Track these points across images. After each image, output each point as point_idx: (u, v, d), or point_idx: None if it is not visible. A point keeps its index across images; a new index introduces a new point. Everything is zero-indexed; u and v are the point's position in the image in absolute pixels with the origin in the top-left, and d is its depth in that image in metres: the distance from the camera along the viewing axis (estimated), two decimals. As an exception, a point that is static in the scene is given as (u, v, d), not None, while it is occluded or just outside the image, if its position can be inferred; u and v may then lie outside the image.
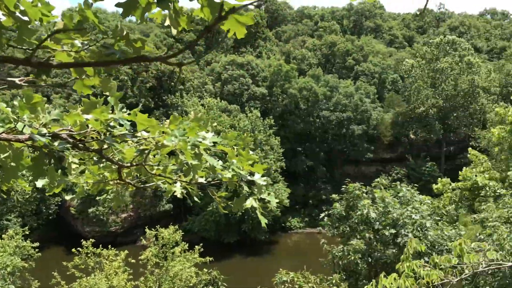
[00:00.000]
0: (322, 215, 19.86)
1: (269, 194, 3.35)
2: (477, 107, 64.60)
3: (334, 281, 16.14)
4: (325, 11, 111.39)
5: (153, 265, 21.14)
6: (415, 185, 20.94)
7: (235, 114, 56.26)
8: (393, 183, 20.68)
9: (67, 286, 20.84)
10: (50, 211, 53.71)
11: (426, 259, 10.02)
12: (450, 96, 65.41)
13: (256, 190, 3.23)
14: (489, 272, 13.62)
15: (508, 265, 6.59)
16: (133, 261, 21.86)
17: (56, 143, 2.65)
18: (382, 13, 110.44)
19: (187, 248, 22.43)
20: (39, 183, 3.38)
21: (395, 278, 5.97)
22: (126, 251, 22.04)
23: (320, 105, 63.97)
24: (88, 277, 19.87)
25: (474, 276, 14.71)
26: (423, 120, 66.18)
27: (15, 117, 2.69)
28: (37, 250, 25.78)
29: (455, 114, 66.07)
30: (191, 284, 20.06)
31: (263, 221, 3.25)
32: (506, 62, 78.09)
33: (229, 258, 48.93)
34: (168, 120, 3.22)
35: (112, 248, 22.35)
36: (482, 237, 13.97)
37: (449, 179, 27.68)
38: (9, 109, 2.81)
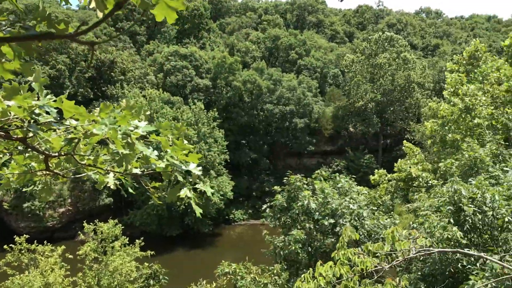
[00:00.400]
0: (264, 206, 20.06)
1: (204, 183, 3.32)
2: (412, 102, 67.75)
3: (275, 271, 16.39)
4: (269, 5, 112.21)
5: (92, 260, 20.49)
6: (353, 176, 21.67)
7: (178, 106, 55.45)
8: (333, 175, 21.25)
9: (-2, 285, 19.76)
10: (-21, 207, 50.61)
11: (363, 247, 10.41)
12: (388, 91, 68.12)
13: (191, 180, 3.19)
14: (421, 259, 14.38)
15: (436, 251, 6.99)
16: (70, 256, 21.05)
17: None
18: (324, 8, 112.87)
19: (128, 242, 21.94)
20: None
21: (331, 266, 6.15)
22: (63, 247, 21.19)
23: (263, 98, 64.45)
24: (22, 275, 18.94)
25: (407, 263, 15.49)
26: (362, 114, 68.52)
27: None
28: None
29: (392, 108, 68.92)
30: (132, 279, 19.66)
31: (198, 211, 3.22)
32: (439, 59, 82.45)
33: (172, 251, 48.46)
34: (98, 108, 3.11)
35: (49, 244, 21.43)
36: (415, 225, 14.64)
37: (385, 170, 28.85)
38: None
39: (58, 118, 2.89)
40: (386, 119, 70.49)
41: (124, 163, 3.28)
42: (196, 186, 3.21)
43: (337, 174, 21.43)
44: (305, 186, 19.40)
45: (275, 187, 20.24)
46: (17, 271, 19.72)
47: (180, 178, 3.13)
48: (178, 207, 49.29)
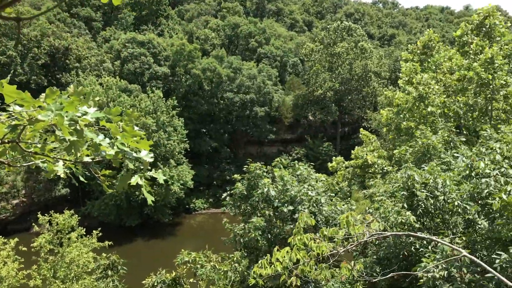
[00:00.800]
0: (224, 195, 20.07)
1: (156, 171, 3.27)
2: (369, 91, 69.25)
3: (235, 259, 16.49)
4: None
5: (47, 252, 19.92)
6: (312, 163, 21.97)
7: (136, 94, 54.29)
8: (292, 162, 21.50)
9: None
10: None
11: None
12: (346, 79, 69.27)
13: (142, 167, 3.14)
14: (376, 243, 14.83)
15: (389, 234, 7.22)
16: (24, 249, 20.40)
17: None
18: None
19: (85, 233, 21.48)
20: None
21: (287, 251, 6.24)
22: (16, 239, 20.49)
23: (224, 86, 64.09)
24: (-29, 270, 18.21)
25: (363, 247, 15.93)
26: (321, 103, 69.45)
27: None
28: None
29: (349, 97, 70.19)
30: (89, 270, 19.29)
31: (150, 198, 3.17)
32: (395, 48, 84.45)
33: (131, 241, 47.83)
34: (43, 94, 2.99)
35: (1, 236, 20.68)
36: (371, 210, 15.07)
37: (343, 158, 29.46)
38: None
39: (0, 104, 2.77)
40: (344, 107, 71.77)
41: (73, 151, 3.18)
42: (148, 173, 3.16)
43: (297, 161, 21.68)
44: (265, 174, 19.53)
45: (235, 176, 20.26)
46: (-34, 266, 18.96)
47: (130, 166, 3.07)
48: (137, 197, 48.51)
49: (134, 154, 3.14)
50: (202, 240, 33.32)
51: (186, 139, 55.86)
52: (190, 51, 63.08)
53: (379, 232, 6.57)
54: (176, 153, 53.15)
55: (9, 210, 50.10)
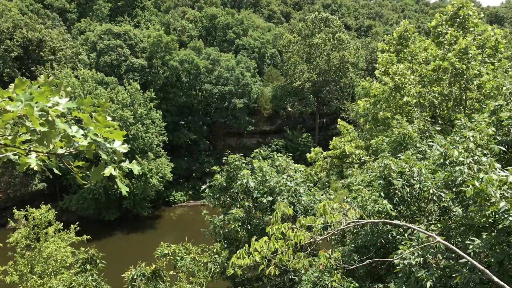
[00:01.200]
0: (203, 187, 20.09)
1: (131, 162, 3.24)
2: (347, 82, 69.77)
3: (215, 250, 16.52)
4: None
5: (24, 247, 19.58)
6: (291, 154, 22.10)
7: (113, 87, 53.48)
8: (271, 154, 21.60)
9: None
10: None
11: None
12: (324, 71, 69.60)
13: (116, 158, 3.10)
14: (354, 231, 15.04)
15: (365, 222, 7.33)
16: (0, 245, 20.00)
17: None
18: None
19: (63, 227, 21.19)
20: None
21: (265, 241, 6.28)
22: (-10, 236, 20.09)
23: (202, 78, 63.68)
24: None
25: (341, 236, 16.14)
26: (299, 94, 69.69)
27: None
28: None
29: (327, 88, 70.60)
30: (67, 264, 19.05)
31: (124, 189, 3.15)
32: (372, 39, 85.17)
33: (110, 235, 47.42)
34: (13, 84, 2.92)
35: (-27, 233, 20.24)
36: (349, 200, 15.24)
37: (321, 148, 29.69)
38: None
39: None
40: (323, 98, 72.18)
41: (46, 142, 3.12)
42: (122, 164, 3.13)
43: (276, 153, 21.79)
44: (244, 165, 19.58)
45: (214, 167, 20.27)
46: None
47: (104, 156, 3.03)
48: (115, 191, 48.04)
49: (108, 145, 3.10)
50: (182, 233, 33.28)
51: (165, 131, 55.42)
52: (167, 42, 62.38)
53: (356, 220, 6.67)
54: (155, 146, 52.73)
55: (-17, 206, 49.02)
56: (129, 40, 61.99)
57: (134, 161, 3.30)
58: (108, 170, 3.03)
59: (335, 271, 7.01)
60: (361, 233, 14.17)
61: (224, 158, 20.11)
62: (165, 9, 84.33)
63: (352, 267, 7.39)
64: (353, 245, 14.78)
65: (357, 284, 12.27)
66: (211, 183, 19.78)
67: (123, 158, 3.17)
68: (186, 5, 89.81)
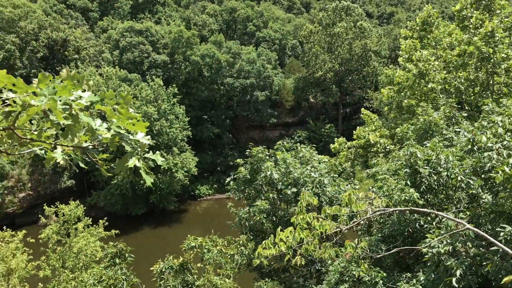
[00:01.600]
0: (228, 179, 20.19)
1: (154, 153, 3.26)
2: (370, 70, 68.81)
3: (241, 242, 16.59)
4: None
5: (55, 243, 20.12)
6: (314, 145, 21.97)
7: (136, 84, 54.13)
8: (295, 145, 21.53)
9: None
10: None
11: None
12: (346, 60, 68.81)
13: (139, 149, 3.12)
14: (380, 221, 14.87)
15: (391, 210, 7.23)
16: (32, 240, 20.60)
17: None
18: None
19: (91, 223, 21.66)
20: None
21: (290, 231, 6.26)
22: (24, 231, 20.68)
23: (223, 72, 63.82)
24: (-19, 263, 18.42)
25: (368, 226, 15.99)
26: (322, 84, 69.12)
27: None
28: None
29: (350, 78, 69.81)
30: (97, 259, 19.48)
31: (148, 180, 3.17)
32: (394, 26, 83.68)
33: (138, 230, 48.20)
34: (36, 80, 2.97)
35: (9, 229, 20.87)
36: (374, 189, 15.07)
37: (345, 138, 29.40)
38: None
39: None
40: (345, 88, 71.43)
41: (70, 136, 3.17)
42: (146, 155, 3.16)
43: (299, 144, 21.70)
44: (267, 157, 19.57)
45: (238, 160, 20.32)
46: (-25, 260, 19.17)
47: (127, 148, 3.06)
48: (142, 186, 48.79)
49: (131, 137, 3.13)
50: (208, 226, 33.55)
51: (188, 126, 55.89)
52: (188, 37, 62.68)
53: (382, 208, 6.58)
54: (179, 141, 53.25)
55: (16, 203, 50.45)
56: (151, 37, 62.53)
57: (157, 152, 3.32)
58: (132, 162, 3.05)
59: (362, 261, 6.96)
60: (387, 222, 13.99)
61: (247, 151, 20.14)
62: (185, 4, 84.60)
63: (380, 255, 7.31)
64: (379, 235, 14.61)
65: (384, 274, 12.14)
66: (235, 176, 19.84)
67: (147, 149, 3.19)
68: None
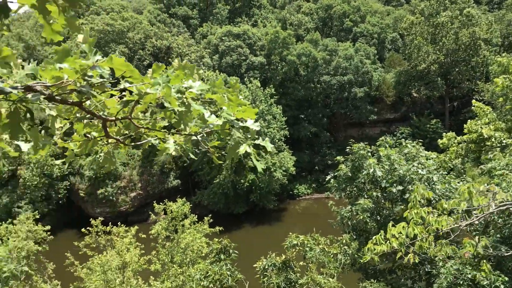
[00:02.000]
0: (328, 177, 19.81)
1: (263, 139, 3.19)
2: (479, 60, 63.68)
3: (344, 241, 16.19)
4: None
5: (164, 238, 21.31)
6: (420, 140, 20.75)
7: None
8: (398, 141, 20.53)
9: (80, 266, 21.09)
10: (59, 196, 54.05)
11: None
12: (451, 51, 64.38)
13: (249, 136, 3.07)
14: (499, 220, 13.58)
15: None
16: (143, 236, 22.03)
17: (29, 95, 2.48)
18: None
19: (197, 220, 22.59)
20: (24, 147, 3.23)
21: (403, 227, 5.86)
22: (136, 227, 22.18)
23: (320, 70, 63.25)
24: (100, 255, 20.07)
25: (484, 226, 14.69)
26: (425, 78, 65.42)
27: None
28: (49, 233, 25.93)
29: (457, 69, 65.20)
30: (203, 254, 20.25)
31: (259, 166, 3.11)
32: (507, 12, 76.52)
33: (239, 228, 49.49)
34: (150, 70, 3.04)
35: (123, 225, 22.50)
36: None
37: (454, 133, 27.41)
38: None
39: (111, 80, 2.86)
40: (452, 80, 66.85)
41: (182, 125, 3.21)
42: (256, 141, 3.09)
43: (403, 140, 20.65)
44: (369, 154, 18.87)
45: (338, 158, 19.83)
46: (96, 252, 20.94)
47: (238, 134, 3.02)
48: (242, 185, 50.10)
49: (241, 124, 3.08)
50: (307, 225, 33.27)
51: (285, 125, 56.27)
52: (284, 38, 63.11)
53: (509, 203, 5.89)
54: (277, 140, 53.81)
55: (128, 202, 54.58)
56: (248, 40, 63.96)
57: (267, 138, 3.24)
58: (243, 148, 3.01)
59: (484, 261, 6.32)
60: (508, 222, 12.73)
61: (347, 148, 19.59)
62: (281, 5, 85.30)
63: (506, 254, 6.58)
64: (498, 235, 13.36)
65: (506, 278, 11.02)
66: (336, 174, 19.42)
67: (257, 137, 3.13)
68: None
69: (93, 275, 19.79)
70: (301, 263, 15.65)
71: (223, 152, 3.33)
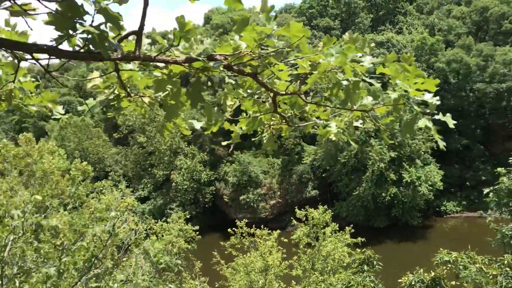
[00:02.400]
0: (486, 190, 17.90)
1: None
2: None
3: (506, 262, 14.38)
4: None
5: (305, 245, 21.35)
6: None
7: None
8: None
9: (225, 265, 22.19)
10: (206, 200, 58.00)
11: None
12: None
13: (428, 110, 2.80)
14: None
15: None
16: (285, 240, 22.34)
17: (211, 63, 2.57)
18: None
19: (338, 229, 22.23)
20: (197, 125, 3.39)
21: None
22: (278, 231, 22.60)
23: (473, 77, 58.12)
24: (244, 256, 20.86)
25: None
26: None
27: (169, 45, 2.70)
28: (197, 233, 27.78)
29: None
30: (344, 264, 19.79)
31: (441, 143, 2.81)
32: None
33: (380, 242, 47.46)
34: (321, 43, 2.96)
35: (265, 228, 23.12)
36: None
37: None
38: (165, 41, 2.83)
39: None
40: None
41: (349, 103, 3.07)
42: (436, 116, 2.81)
43: None
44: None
45: (499, 169, 17.80)
46: (240, 253, 21.84)
47: (416, 108, 2.76)
48: (384, 198, 48.19)
49: (418, 98, 2.83)
50: (457, 245, 30.43)
51: (432, 137, 52.67)
52: (432, 44, 59.58)
53: None
54: (422, 153, 50.76)
55: (267, 209, 56.29)
56: (392, 47, 61.78)
57: (448, 114, 2.93)
58: (422, 122, 2.75)
59: None
60: None
61: (510, 159, 17.50)
62: (428, 11, 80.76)
63: None
64: None
65: None
66: (497, 187, 17.45)
67: (435, 111, 2.84)
68: (451, 2, 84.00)
69: (237, 275, 20.65)
70: (453, 282, 14.31)
71: (396, 129, 3.10)
